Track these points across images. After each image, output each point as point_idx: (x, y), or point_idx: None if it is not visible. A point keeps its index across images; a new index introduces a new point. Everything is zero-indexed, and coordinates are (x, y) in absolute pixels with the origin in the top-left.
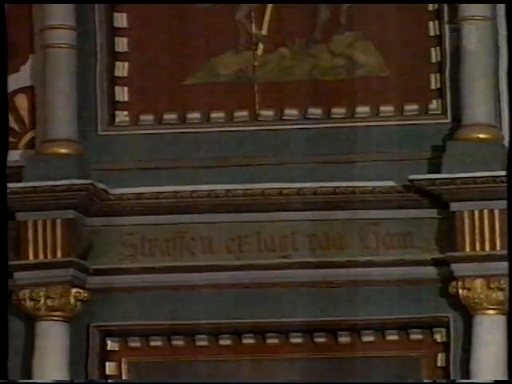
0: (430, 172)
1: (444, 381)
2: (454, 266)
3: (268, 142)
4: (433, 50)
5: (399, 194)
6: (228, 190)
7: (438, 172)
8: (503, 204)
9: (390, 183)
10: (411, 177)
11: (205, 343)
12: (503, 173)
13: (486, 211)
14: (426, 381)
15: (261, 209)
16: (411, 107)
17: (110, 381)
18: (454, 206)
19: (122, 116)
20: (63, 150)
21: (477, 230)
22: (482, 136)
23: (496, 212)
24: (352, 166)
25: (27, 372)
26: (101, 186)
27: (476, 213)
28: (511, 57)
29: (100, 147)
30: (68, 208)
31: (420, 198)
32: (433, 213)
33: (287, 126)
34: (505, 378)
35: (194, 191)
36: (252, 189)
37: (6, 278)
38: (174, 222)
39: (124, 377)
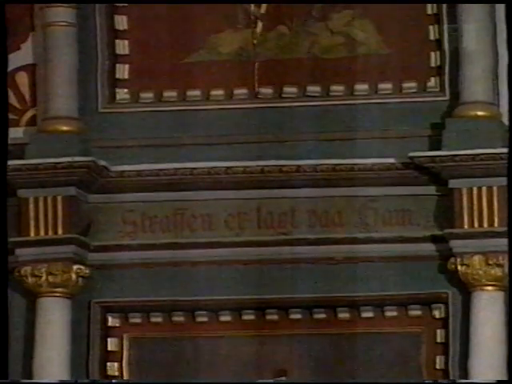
0: (429, 149)
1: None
2: (453, 243)
3: (267, 120)
4: (431, 27)
5: (399, 171)
6: (228, 168)
7: (438, 149)
8: (502, 181)
9: (390, 160)
10: (411, 154)
11: (205, 319)
12: (504, 150)
13: (484, 188)
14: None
15: (260, 186)
16: (410, 85)
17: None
18: (453, 183)
19: (122, 94)
20: (64, 128)
21: (475, 207)
22: (480, 113)
23: (495, 189)
24: (352, 144)
25: (29, 350)
26: (102, 163)
27: (475, 190)
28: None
29: (100, 125)
30: (69, 185)
31: (419, 175)
32: (432, 190)
33: (287, 104)
34: (504, 374)
35: (194, 168)
36: (252, 166)
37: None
38: (174, 198)
39: (125, 352)
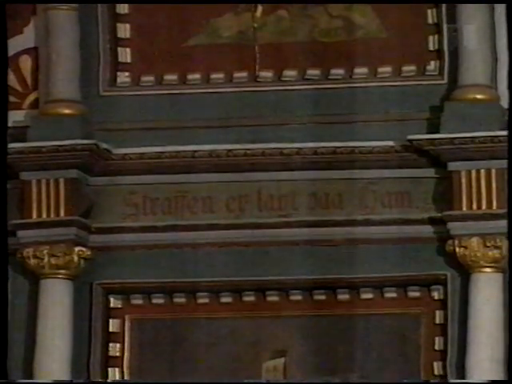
0: (428, 132)
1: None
2: (451, 225)
3: (268, 103)
4: (429, 11)
5: (398, 153)
6: (229, 150)
7: (437, 132)
8: (500, 163)
9: (389, 143)
10: (410, 137)
11: (206, 301)
12: (502, 133)
13: (483, 171)
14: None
15: (261, 168)
16: (409, 68)
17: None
18: (452, 166)
19: (123, 77)
20: (66, 111)
21: (474, 190)
22: (478, 97)
23: (493, 171)
24: (352, 127)
25: (31, 331)
26: (104, 146)
27: (473, 172)
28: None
29: (102, 108)
30: (71, 168)
31: (418, 158)
32: (431, 172)
33: (286, 87)
34: (502, 353)
35: (195, 151)
36: (253, 149)
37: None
38: (175, 181)
39: (127, 333)
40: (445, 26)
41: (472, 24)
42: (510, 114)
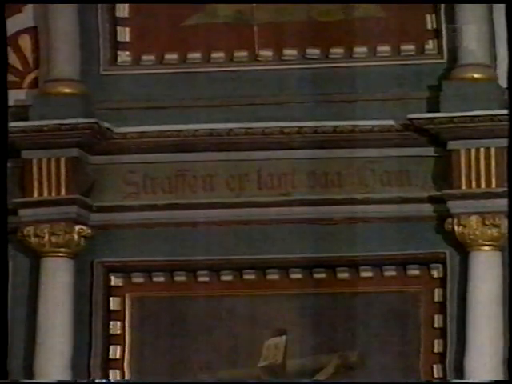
0: (428, 111)
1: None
2: (450, 204)
3: (268, 82)
4: None
5: (398, 132)
6: (229, 129)
7: (437, 111)
8: (500, 142)
9: (390, 122)
10: (410, 116)
11: (206, 279)
12: (503, 111)
13: (482, 149)
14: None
15: (261, 147)
16: (408, 47)
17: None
18: (452, 145)
19: (123, 56)
20: (67, 90)
21: (473, 168)
22: (477, 76)
23: (492, 150)
24: (352, 105)
25: (32, 309)
26: (105, 124)
27: (473, 151)
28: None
29: (102, 87)
30: (72, 146)
31: (418, 137)
32: (430, 151)
33: (286, 66)
34: (501, 332)
35: (196, 130)
36: (253, 128)
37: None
38: (175, 160)
39: (127, 312)
40: (442, 6)
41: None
42: (510, 92)
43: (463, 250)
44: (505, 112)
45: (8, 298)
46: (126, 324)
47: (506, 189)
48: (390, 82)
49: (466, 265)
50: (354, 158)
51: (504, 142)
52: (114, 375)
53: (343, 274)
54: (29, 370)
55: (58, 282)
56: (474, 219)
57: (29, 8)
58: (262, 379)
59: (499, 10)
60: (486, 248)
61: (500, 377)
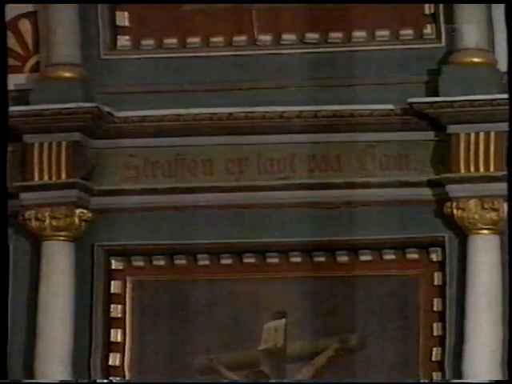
0: (428, 95)
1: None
2: (450, 187)
3: (267, 66)
4: None
5: (397, 116)
6: (229, 113)
7: (436, 95)
8: (499, 126)
9: (389, 106)
10: (410, 100)
11: (206, 262)
12: (502, 96)
13: (482, 133)
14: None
15: (261, 131)
16: (406, 32)
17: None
18: (451, 129)
19: (123, 40)
20: (67, 74)
21: (472, 152)
22: (476, 60)
23: (492, 134)
24: (351, 90)
25: (33, 293)
26: (106, 109)
27: (472, 135)
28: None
29: (103, 71)
30: (73, 131)
31: (418, 121)
32: (430, 135)
33: (285, 51)
34: (500, 315)
35: (196, 114)
36: (253, 112)
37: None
38: (176, 144)
39: (128, 295)
40: None
41: None
42: (510, 76)
43: (462, 233)
44: (504, 96)
45: (9, 283)
46: (127, 307)
47: (505, 172)
48: (390, 67)
49: (465, 248)
50: (353, 142)
51: (503, 126)
52: (115, 358)
53: (342, 258)
54: (30, 354)
55: (58, 266)
56: (472, 203)
57: None
58: (262, 365)
59: None
60: (485, 232)
61: (498, 360)
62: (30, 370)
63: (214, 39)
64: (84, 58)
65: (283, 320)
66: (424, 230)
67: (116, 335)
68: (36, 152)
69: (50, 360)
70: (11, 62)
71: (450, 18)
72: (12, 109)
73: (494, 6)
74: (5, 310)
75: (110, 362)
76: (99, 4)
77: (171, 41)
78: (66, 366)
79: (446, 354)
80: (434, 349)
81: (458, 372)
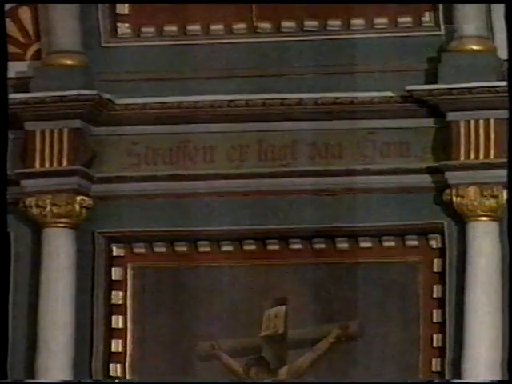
0: (427, 83)
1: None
2: (449, 174)
3: (268, 54)
4: None
5: (397, 104)
6: (230, 101)
7: (435, 83)
8: (499, 114)
9: (389, 93)
10: (409, 87)
11: (207, 249)
12: (501, 83)
13: (481, 121)
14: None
15: (262, 119)
16: (405, 19)
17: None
18: (451, 116)
19: (123, 28)
20: (68, 62)
21: (472, 139)
22: (475, 48)
23: (491, 122)
24: (351, 77)
25: (34, 280)
26: (106, 96)
27: (472, 122)
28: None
29: (104, 59)
30: (74, 118)
31: (417, 108)
32: (429, 122)
33: (285, 38)
34: (499, 295)
35: (197, 102)
36: (253, 99)
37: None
38: (177, 131)
39: (129, 282)
40: None
41: None
42: (510, 63)
43: (461, 220)
44: (503, 84)
45: (10, 270)
46: (128, 294)
47: (504, 160)
48: (390, 54)
49: (464, 235)
50: (354, 129)
51: (503, 114)
52: (117, 345)
53: (343, 245)
54: (32, 341)
55: (59, 253)
56: (472, 190)
57: None
58: (263, 351)
59: None
60: (484, 218)
61: (499, 349)
62: (32, 351)
63: (214, 27)
64: (85, 46)
65: (284, 306)
66: (424, 217)
67: (117, 322)
68: (37, 139)
69: (52, 346)
70: (12, 49)
71: (448, 8)
72: (13, 96)
73: None
74: (6, 297)
75: (112, 349)
76: None
77: (171, 28)
78: (68, 351)
79: (446, 340)
80: (435, 335)
81: (457, 359)
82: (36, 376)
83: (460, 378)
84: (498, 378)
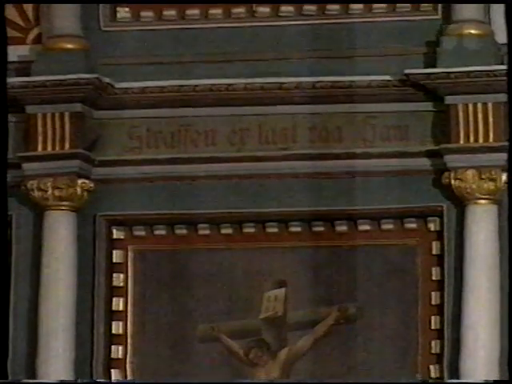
0: (426, 67)
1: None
2: (448, 158)
3: (266, 38)
4: None
5: (396, 88)
6: (229, 85)
7: (434, 67)
8: (497, 97)
9: (387, 77)
10: (407, 71)
11: (207, 232)
12: (499, 67)
13: (479, 104)
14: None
15: (262, 102)
16: (403, 4)
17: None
18: (449, 100)
19: (123, 12)
20: (69, 46)
21: (471, 123)
22: (472, 32)
23: (489, 105)
24: (349, 61)
25: (36, 261)
26: (107, 80)
27: (470, 106)
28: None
29: (103, 43)
30: (75, 101)
31: (416, 92)
32: (428, 106)
33: (284, 23)
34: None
35: (196, 85)
36: (252, 83)
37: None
38: (177, 115)
39: (130, 264)
40: None
41: None
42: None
43: (460, 203)
44: (502, 67)
45: (12, 252)
46: (129, 276)
47: (503, 143)
48: (388, 38)
49: (463, 218)
50: (353, 112)
51: (501, 97)
52: (117, 327)
53: (341, 228)
54: (33, 321)
55: (60, 235)
56: (470, 173)
57: None
58: (263, 333)
59: None
60: (483, 201)
61: (497, 329)
62: (34, 334)
63: (212, 11)
64: (85, 30)
65: (283, 289)
66: (423, 200)
67: (118, 304)
68: (39, 122)
69: (52, 327)
70: (13, 33)
71: None
72: (15, 80)
73: None
74: (7, 278)
75: (113, 330)
76: None
77: (170, 12)
78: (69, 332)
79: (444, 322)
80: (433, 317)
81: (456, 340)
82: (38, 352)
83: (459, 358)
84: (496, 357)
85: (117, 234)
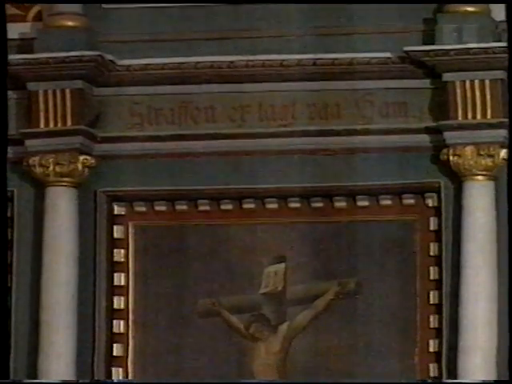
0: (424, 44)
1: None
2: (446, 134)
3: (267, 15)
4: None
5: (395, 65)
6: (230, 62)
7: (432, 44)
8: (494, 74)
9: (386, 54)
10: (406, 48)
11: (207, 208)
12: (498, 44)
13: (477, 81)
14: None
15: (262, 79)
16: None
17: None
18: (447, 76)
19: None
20: (70, 23)
21: (469, 100)
22: (469, 9)
23: (487, 82)
24: (349, 38)
25: (38, 238)
26: (108, 57)
27: (467, 83)
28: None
29: (104, 20)
30: (77, 78)
31: (415, 69)
32: (427, 83)
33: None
34: (494, 260)
35: (197, 62)
36: (253, 60)
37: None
38: (178, 92)
39: (131, 239)
40: None
41: None
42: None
43: (458, 179)
44: (500, 44)
45: (14, 227)
46: (130, 252)
47: (501, 119)
48: (387, 15)
49: (460, 194)
50: (353, 89)
51: (499, 74)
52: (119, 302)
53: (340, 203)
54: (35, 299)
55: (62, 211)
56: (469, 150)
57: None
58: (263, 308)
59: None
60: (480, 178)
61: (494, 303)
62: (36, 313)
63: None
64: (86, 8)
65: (283, 264)
66: (421, 177)
67: (119, 279)
68: (41, 99)
69: (55, 306)
70: (13, 10)
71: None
72: (17, 57)
73: None
74: (5, 255)
75: (115, 306)
76: None
77: None
78: (71, 307)
79: (443, 297)
80: (431, 292)
81: (454, 315)
82: (41, 335)
83: (457, 333)
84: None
85: (118, 209)
